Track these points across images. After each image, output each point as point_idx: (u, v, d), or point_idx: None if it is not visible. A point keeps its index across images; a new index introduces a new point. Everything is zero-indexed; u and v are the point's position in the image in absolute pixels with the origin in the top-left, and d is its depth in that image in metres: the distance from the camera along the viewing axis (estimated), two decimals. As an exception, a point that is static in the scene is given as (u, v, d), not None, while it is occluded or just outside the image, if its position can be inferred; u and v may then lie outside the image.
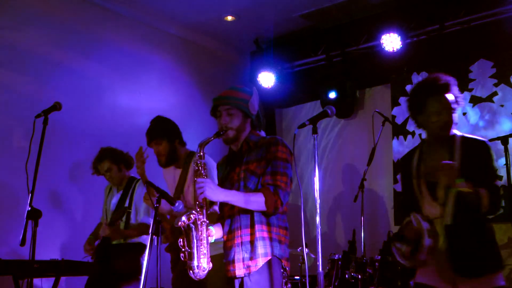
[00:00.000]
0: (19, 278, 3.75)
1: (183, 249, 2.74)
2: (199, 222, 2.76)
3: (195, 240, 2.74)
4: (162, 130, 3.90)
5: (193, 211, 2.77)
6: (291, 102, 7.27)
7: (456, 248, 2.76)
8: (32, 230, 3.07)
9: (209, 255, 2.79)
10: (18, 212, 4.13)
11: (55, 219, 4.54)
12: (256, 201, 2.76)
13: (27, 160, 3.15)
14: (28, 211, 3.09)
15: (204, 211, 2.80)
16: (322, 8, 6.09)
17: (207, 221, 2.80)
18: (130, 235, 4.39)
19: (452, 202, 2.76)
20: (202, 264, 2.75)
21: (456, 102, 2.91)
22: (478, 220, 2.78)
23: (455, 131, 2.93)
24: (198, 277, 2.76)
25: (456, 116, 2.91)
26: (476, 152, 2.84)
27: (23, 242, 3.04)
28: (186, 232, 2.75)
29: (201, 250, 2.75)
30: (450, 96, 2.88)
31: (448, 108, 2.86)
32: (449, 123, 2.88)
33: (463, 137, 2.91)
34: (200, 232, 2.77)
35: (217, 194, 2.75)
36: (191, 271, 2.74)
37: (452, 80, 2.94)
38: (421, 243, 2.73)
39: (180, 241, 2.75)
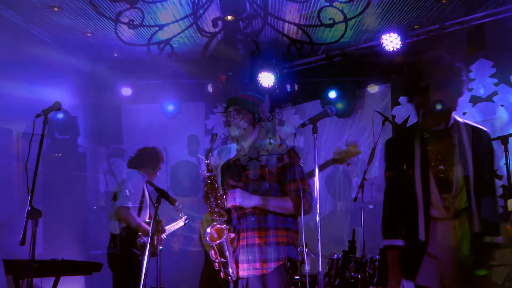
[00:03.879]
0: (19, 278, 3.75)
1: (216, 261, 2.88)
2: (229, 238, 2.87)
3: (227, 253, 2.87)
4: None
5: (219, 222, 2.89)
6: (291, 102, 7.26)
7: None
8: (32, 230, 3.06)
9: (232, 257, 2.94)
10: (18, 212, 4.13)
11: (55, 219, 4.53)
12: (287, 206, 2.86)
13: (27, 160, 3.14)
14: (28, 211, 3.09)
15: (226, 218, 2.92)
16: (322, 7, 6.07)
17: (228, 227, 2.90)
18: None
19: None
20: (234, 268, 2.90)
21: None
22: None
23: (456, 117, 2.63)
24: (234, 279, 2.92)
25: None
26: (485, 147, 2.58)
27: (23, 242, 3.04)
28: (219, 249, 2.86)
29: (232, 257, 2.89)
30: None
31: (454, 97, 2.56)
32: (450, 113, 2.58)
33: (467, 125, 2.62)
34: (229, 244, 2.89)
35: (251, 200, 2.86)
36: (228, 277, 2.91)
37: (462, 64, 2.67)
38: None
39: (212, 253, 2.88)
